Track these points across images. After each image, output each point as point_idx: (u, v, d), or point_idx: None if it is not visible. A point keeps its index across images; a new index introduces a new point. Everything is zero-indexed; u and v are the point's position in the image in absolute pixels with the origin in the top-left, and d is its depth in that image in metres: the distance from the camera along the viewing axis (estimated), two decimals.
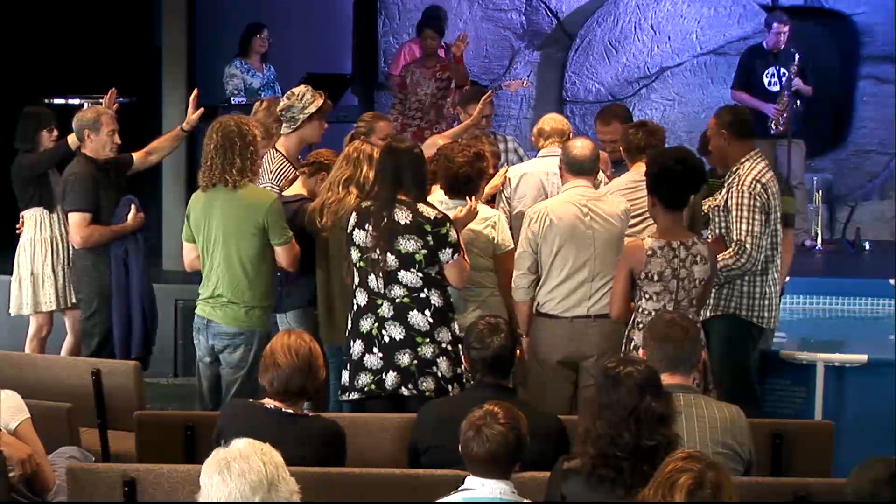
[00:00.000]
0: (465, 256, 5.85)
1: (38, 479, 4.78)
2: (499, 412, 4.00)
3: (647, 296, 5.73)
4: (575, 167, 6.17)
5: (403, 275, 5.70)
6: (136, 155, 7.25)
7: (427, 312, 5.70)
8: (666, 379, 4.35)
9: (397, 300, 5.71)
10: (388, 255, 5.68)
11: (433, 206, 5.80)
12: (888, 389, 6.66)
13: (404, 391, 5.68)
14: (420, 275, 5.71)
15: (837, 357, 6.92)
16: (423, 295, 5.71)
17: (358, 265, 5.78)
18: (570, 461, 4.09)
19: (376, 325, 5.73)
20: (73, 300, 7.36)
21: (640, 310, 5.75)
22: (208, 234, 6.09)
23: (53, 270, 7.59)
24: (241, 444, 3.50)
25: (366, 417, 5.40)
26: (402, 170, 5.73)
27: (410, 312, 5.69)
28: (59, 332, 7.72)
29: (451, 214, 5.86)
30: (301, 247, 6.25)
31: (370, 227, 5.72)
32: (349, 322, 5.84)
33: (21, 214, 7.71)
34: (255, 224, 6.01)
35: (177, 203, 9.17)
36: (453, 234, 5.74)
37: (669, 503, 3.39)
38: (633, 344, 5.70)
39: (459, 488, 3.99)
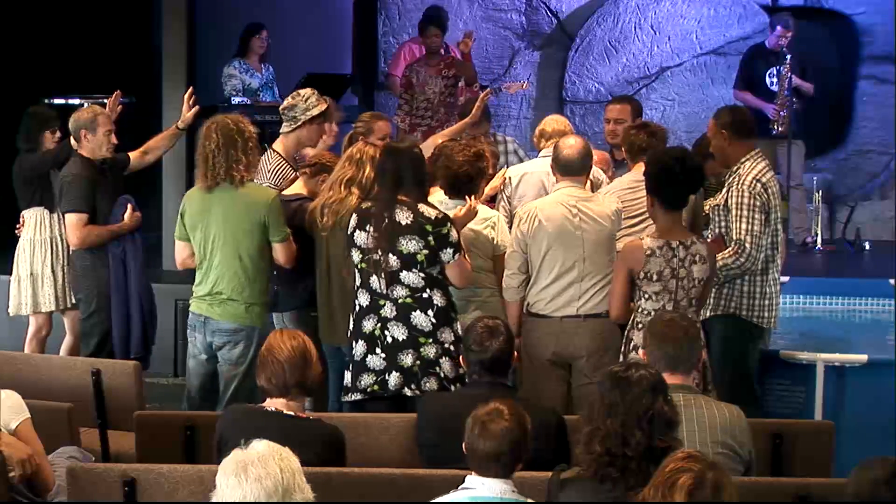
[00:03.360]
0: (466, 256, 5.85)
1: (39, 480, 4.77)
2: (504, 409, 3.99)
3: (646, 296, 5.73)
4: (564, 167, 6.16)
5: (405, 275, 5.70)
6: (132, 154, 7.26)
7: (430, 312, 5.70)
8: (666, 379, 4.33)
9: (400, 300, 5.71)
10: (390, 255, 5.68)
11: (434, 207, 5.81)
12: (888, 389, 6.66)
13: (407, 392, 5.67)
14: (422, 275, 5.71)
15: (837, 357, 6.91)
16: (425, 295, 5.71)
17: (359, 266, 5.78)
18: (566, 471, 4.09)
19: (379, 325, 5.72)
20: (73, 300, 7.36)
21: (640, 310, 5.75)
22: (207, 231, 6.12)
23: (53, 271, 7.60)
24: (260, 447, 3.49)
25: (366, 417, 5.39)
26: (403, 170, 5.74)
27: (413, 313, 5.69)
28: (59, 332, 7.72)
29: (450, 214, 5.86)
30: (300, 247, 6.26)
31: (371, 229, 5.72)
32: (351, 323, 5.84)
33: (21, 214, 7.72)
34: (256, 221, 6.06)
35: (177, 202, 9.11)
36: (454, 234, 5.75)
37: (669, 503, 3.39)
38: (632, 344, 5.70)
39: (460, 487, 3.99)
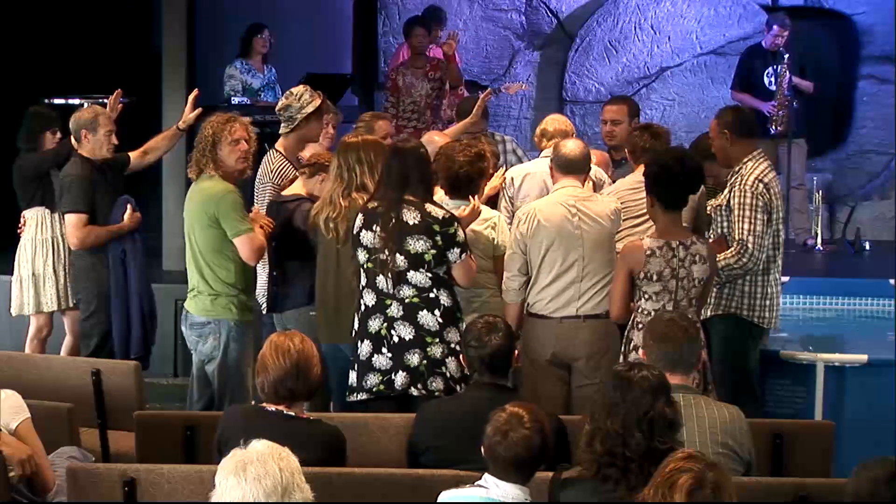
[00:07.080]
0: (472, 256, 5.85)
1: (38, 480, 4.78)
2: (524, 415, 3.99)
3: (646, 296, 5.73)
4: (564, 166, 6.16)
5: (413, 275, 5.69)
6: (132, 154, 7.26)
7: (437, 312, 5.69)
8: None
9: (406, 300, 5.70)
10: (398, 255, 5.68)
11: (441, 206, 5.81)
12: (888, 389, 6.66)
13: (413, 391, 5.66)
14: (429, 275, 5.70)
15: (837, 357, 6.92)
16: (432, 295, 5.71)
17: (366, 266, 5.77)
18: (567, 471, 4.09)
19: (385, 325, 5.71)
20: (74, 301, 7.36)
21: (640, 310, 5.75)
22: (186, 224, 6.23)
23: (54, 271, 7.59)
24: (259, 446, 3.50)
25: (366, 417, 5.39)
26: (409, 170, 5.73)
27: (420, 312, 5.69)
28: (59, 332, 7.72)
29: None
30: (298, 247, 6.25)
31: (378, 228, 5.71)
32: (356, 322, 5.83)
33: (23, 214, 7.72)
34: (208, 215, 6.08)
35: (176, 203, 9.14)
36: (461, 233, 5.76)
37: (669, 503, 3.39)
38: (632, 344, 5.70)
39: (475, 483, 3.99)
